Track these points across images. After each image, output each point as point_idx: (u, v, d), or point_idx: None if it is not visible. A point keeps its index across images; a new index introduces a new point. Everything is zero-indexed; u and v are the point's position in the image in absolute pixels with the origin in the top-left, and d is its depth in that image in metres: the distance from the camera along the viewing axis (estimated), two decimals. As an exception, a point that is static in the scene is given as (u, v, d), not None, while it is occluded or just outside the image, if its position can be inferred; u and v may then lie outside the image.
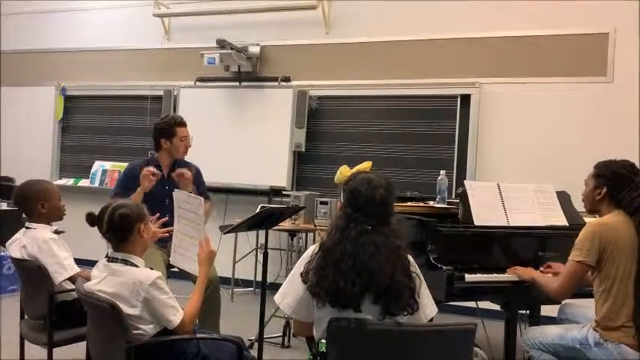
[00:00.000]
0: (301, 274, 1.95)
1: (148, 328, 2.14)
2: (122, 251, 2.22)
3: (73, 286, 2.60)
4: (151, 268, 2.25)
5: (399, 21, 5.35)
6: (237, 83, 5.86)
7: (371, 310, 1.85)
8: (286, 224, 4.49)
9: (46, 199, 2.88)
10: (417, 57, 5.29)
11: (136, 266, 2.20)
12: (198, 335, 2.33)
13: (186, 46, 6.06)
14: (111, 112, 6.52)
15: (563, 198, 3.21)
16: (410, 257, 1.95)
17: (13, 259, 2.93)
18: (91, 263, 2.36)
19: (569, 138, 4.78)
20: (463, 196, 3.05)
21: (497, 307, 3.16)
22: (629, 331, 2.40)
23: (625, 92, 4.64)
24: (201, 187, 3.65)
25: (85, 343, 2.51)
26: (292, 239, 5.16)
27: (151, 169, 3.37)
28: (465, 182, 3.16)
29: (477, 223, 2.96)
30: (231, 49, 5.52)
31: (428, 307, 1.98)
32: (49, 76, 6.75)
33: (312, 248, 2.01)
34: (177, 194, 2.86)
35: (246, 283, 5.59)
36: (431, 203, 3.46)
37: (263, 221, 3.32)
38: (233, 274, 5.44)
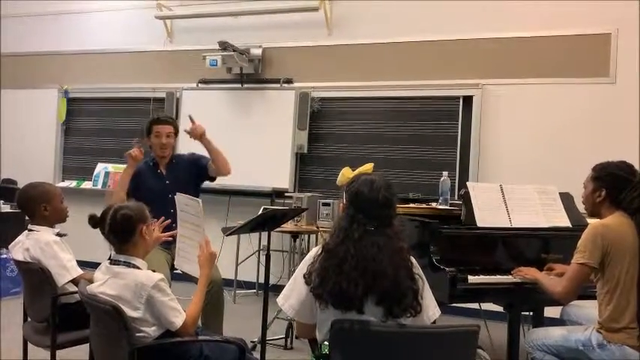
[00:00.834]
0: (304, 275, 1.95)
1: (151, 331, 2.14)
2: (124, 253, 2.22)
3: (76, 289, 2.60)
4: (154, 270, 2.25)
5: (401, 22, 5.35)
6: (239, 85, 5.86)
7: (374, 312, 1.85)
8: (289, 226, 4.49)
9: (49, 201, 2.88)
10: (418, 58, 5.29)
11: (139, 268, 2.20)
12: (201, 337, 2.34)
13: (189, 48, 6.07)
14: (113, 115, 6.53)
15: (566, 199, 3.21)
16: (413, 259, 1.95)
17: (16, 262, 2.94)
18: (94, 265, 2.36)
19: (571, 139, 4.77)
20: (466, 198, 3.04)
21: (500, 309, 3.16)
22: (632, 332, 2.39)
23: (627, 93, 4.63)
24: (202, 160, 3.71)
25: (88, 345, 2.51)
26: (295, 241, 5.16)
27: (135, 150, 3.49)
28: (468, 184, 3.16)
29: (479, 224, 2.95)
30: (234, 51, 5.52)
31: (431, 309, 1.98)
32: (51, 79, 6.77)
33: (315, 250, 2.01)
34: (178, 198, 2.87)
35: (248, 285, 5.59)
36: (433, 205, 3.46)
37: (265, 223, 3.32)
38: (236, 276, 5.44)
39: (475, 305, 3.71)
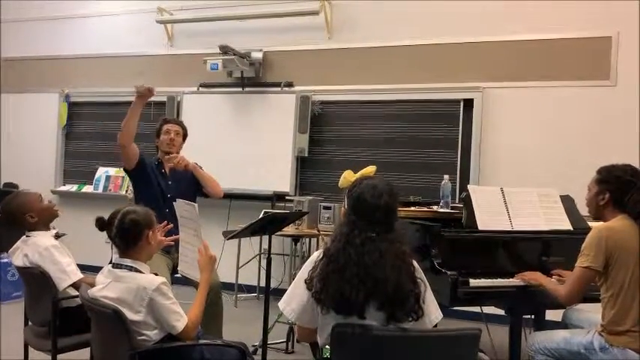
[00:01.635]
0: (305, 280, 1.95)
1: (152, 334, 2.14)
2: (128, 257, 2.23)
3: (77, 293, 2.60)
4: (156, 274, 2.25)
5: (402, 26, 5.35)
6: (240, 89, 5.87)
7: (376, 317, 1.84)
8: (289, 229, 4.48)
9: (30, 208, 2.88)
10: (419, 61, 5.29)
11: (141, 272, 2.21)
12: (202, 341, 2.33)
13: (189, 52, 6.08)
14: (114, 119, 6.49)
15: (568, 202, 3.20)
16: (415, 263, 1.94)
17: (17, 266, 2.94)
18: (94, 269, 2.37)
19: (572, 142, 4.77)
20: (467, 201, 3.04)
21: (501, 312, 3.15)
22: (635, 335, 2.39)
23: (628, 96, 4.63)
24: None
25: (89, 349, 2.51)
26: (296, 244, 5.15)
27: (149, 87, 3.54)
28: (469, 187, 3.15)
29: (480, 227, 2.95)
30: (234, 54, 5.53)
31: (433, 313, 1.97)
32: (52, 83, 6.78)
33: (316, 254, 2.00)
34: (177, 204, 2.87)
35: (249, 289, 5.59)
36: (434, 208, 3.45)
37: (266, 227, 3.32)
38: (236, 280, 5.43)
39: (476, 308, 3.70)
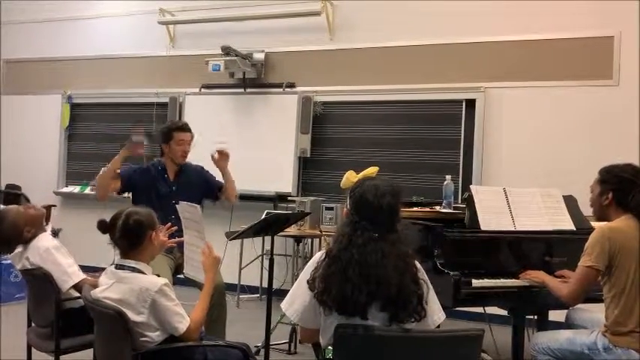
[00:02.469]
0: (308, 281, 1.95)
1: (155, 335, 2.14)
2: (131, 258, 2.23)
3: (79, 294, 2.60)
4: (158, 275, 2.25)
5: (403, 26, 5.35)
6: (242, 90, 5.87)
7: (378, 318, 1.84)
8: (292, 230, 4.48)
9: (24, 223, 2.84)
10: (421, 62, 5.29)
11: (144, 273, 2.21)
12: (205, 342, 2.33)
13: (191, 53, 6.08)
14: (117, 120, 6.54)
15: (570, 202, 3.20)
16: (417, 263, 1.94)
17: (19, 269, 2.94)
18: (95, 270, 2.37)
19: (575, 142, 4.76)
20: (469, 201, 3.03)
21: (504, 313, 3.15)
22: (638, 336, 2.38)
23: (631, 95, 4.62)
24: (213, 181, 3.74)
25: (91, 350, 2.51)
26: (298, 245, 5.15)
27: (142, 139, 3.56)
28: (471, 187, 3.15)
29: (483, 228, 2.94)
30: (236, 55, 5.53)
31: (436, 314, 1.97)
32: (55, 85, 6.79)
33: (319, 255, 2.00)
34: (180, 207, 2.87)
35: (252, 290, 5.58)
36: (437, 208, 3.45)
37: (269, 227, 3.32)
38: (239, 281, 5.43)
39: (479, 309, 3.70)
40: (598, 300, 2.59)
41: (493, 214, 3.00)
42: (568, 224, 3.07)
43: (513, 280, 2.83)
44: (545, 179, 4.35)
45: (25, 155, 6.87)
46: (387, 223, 1.92)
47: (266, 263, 4.34)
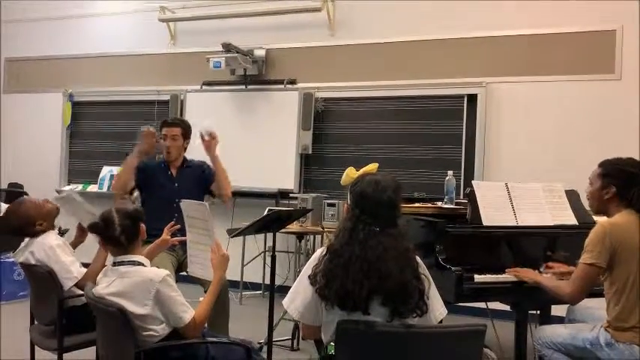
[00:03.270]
0: (309, 276, 1.95)
1: (159, 328, 2.14)
2: (129, 252, 2.23)
3: (82, 292, 2.60)
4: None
5: (404, 22, 5.34)
6: (243, 86, 5.87)
7: (380, 313, 1.84)
8: (294, 227, 4.49)
9: (38, 216, 2.86)
10: (422, 57, 5.28)
11: (144, 266, 2.22)
12: (208, 339, 2.34)
13: (192, 51, 6.08)
14: (118, 118, 6.54)
15: (573, 197, 3.19)
16: (418, 259, 1.94)
17: (22, 265, 2.95)
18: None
19: (577, 136, 4.75)
20: (471, 197, 3.03)
21: (507, 308, 3.14)
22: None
23: (633, 89, 4.60)
24: (210, 173, 3.67)
25: (94, 347, 2.51)
26: (300, 242, 5.16)
27: (152, 129, 3.49)
28: (473, 182, 3.14)
29: (485, 223, 2.94)
30: (237, 52, 5.53)
31: (437, 309, 1.97)
32: (56, 83, 6.79)
33: (320, 251, 2.00)
34: (184, 205, 2.85)
35: (254, 286, 5.59)
36: (439, 204, 3.45)
37: (271, 224, 3.32)
38: (241, 277, 5.44)
39: (482, 304, 3.69)
40: (599, 295, 2.58)
41: (495, 210, 3.00)
42: (571, 219, 3.07)
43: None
44: (547, 174, 4.34)
45: (26, 154, 6.88)
46: (388, 216, 1.92)
47: (268, 260, 4.34)
